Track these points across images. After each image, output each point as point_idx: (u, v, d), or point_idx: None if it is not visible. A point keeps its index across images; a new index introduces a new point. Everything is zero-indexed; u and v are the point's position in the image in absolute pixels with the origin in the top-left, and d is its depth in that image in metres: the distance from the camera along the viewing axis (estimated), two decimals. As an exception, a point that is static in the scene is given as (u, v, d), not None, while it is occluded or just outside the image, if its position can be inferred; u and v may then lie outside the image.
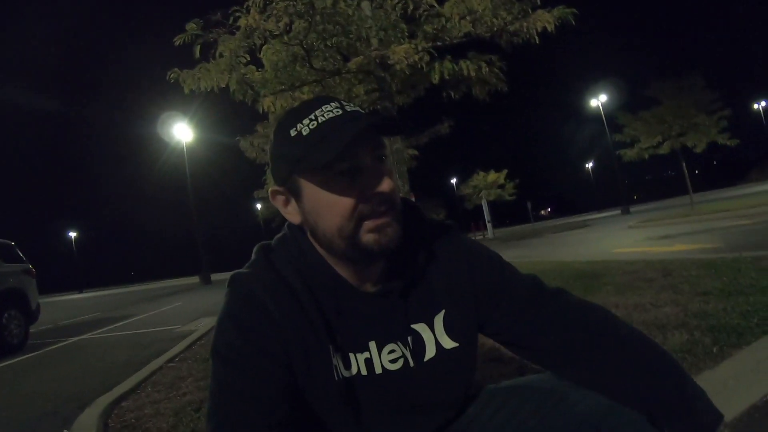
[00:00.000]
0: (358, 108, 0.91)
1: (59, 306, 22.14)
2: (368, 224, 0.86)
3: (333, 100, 0.90)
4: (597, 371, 0.93)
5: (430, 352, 0.97)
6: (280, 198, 0.96)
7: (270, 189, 0.98)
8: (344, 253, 0.90)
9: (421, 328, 0.97)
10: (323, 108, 0.88)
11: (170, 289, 27.04)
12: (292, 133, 0.88)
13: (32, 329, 8.62)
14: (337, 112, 0.87)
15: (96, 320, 11.80)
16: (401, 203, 0.94)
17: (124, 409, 3.41)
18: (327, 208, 0.87)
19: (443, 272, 1.01)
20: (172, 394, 3.54)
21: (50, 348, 7.58)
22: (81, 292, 55.20)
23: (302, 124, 0.87)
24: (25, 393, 4.47)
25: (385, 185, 0.85)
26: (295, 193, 0.92)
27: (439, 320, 0.99)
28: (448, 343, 0.98)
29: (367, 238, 0.87)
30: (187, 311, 10.73)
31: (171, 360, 4.87)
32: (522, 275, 1.05)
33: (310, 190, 0.89)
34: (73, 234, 76.79)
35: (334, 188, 0.86)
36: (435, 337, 0.98)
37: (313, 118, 0.86)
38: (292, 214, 0.95)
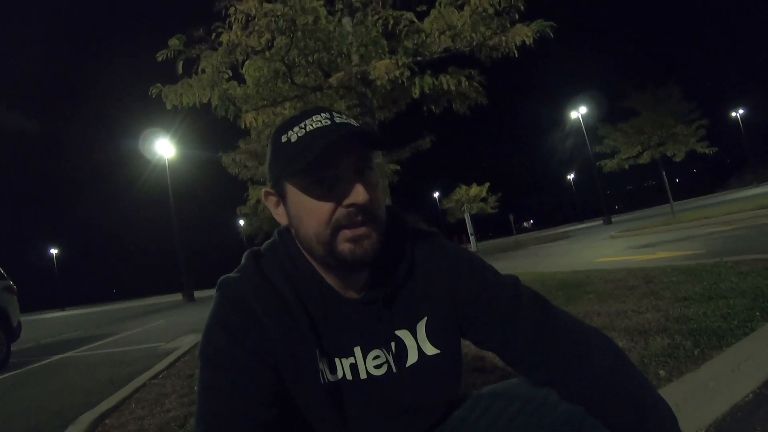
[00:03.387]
0: (350, 120, 0.93)
1: (41, 324, 21.68)
2: (345, 233, 0.89)
3: (326, 111, 0.94)
4: (569, 387, 0.96)
5: (412, 358, 0.99)
6: (272, 199, 1.00)
7: (264, 190, 1.02)
8: (323, 259, 0.93)
9: (404, 334, 0.99)
10: (314, 117, 0.92)
11: (153, 306, 26.68)
12: (283, 139, 0.92)
13: (14, 347, 8.43)
14: (326, 122, 0.90)
15: (78, 338, 11.59)
16: (385, 213, 0.96)
17: (107, 426, 3.36)
18: (306, 212, 0.91)
19: (426, 280, 1.03)
20: (156, 410, 3.50)
21: (32, 366, 7.42)
22: (63, 309, 54.26)
23: (293, 131, 0.91)
24: (7, 411, 4.38)
25: (362, 196, 0.87)
26: (282, 196, 0.97)
27: (421, 327, 1.01)
28: (430, 350, 1.00)
29: (343, 247, 0.89)
30: (170, 329, 10.59)
31: (155, 377, 4.80)
32: (502, 279, 1.07)
33: (293, 194, 0.93)
34: (54, 251, 75.61)
35: (313, 194, 0.89)
36: (417, 343, 1.00)
37: (303, 126, 0.91)
38: (280, 215, 0.99)
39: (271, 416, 0.85)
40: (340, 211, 0.88)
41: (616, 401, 0.93)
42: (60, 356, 8.26)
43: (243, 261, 1.00)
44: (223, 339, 0.88)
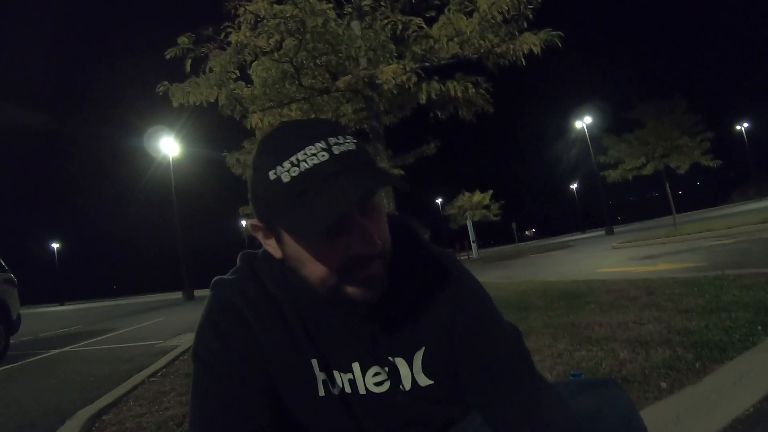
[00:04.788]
0: (347, 146, 0.80)
1: (40, 317, 21.74)
2: (353, 277, 0.81)
3: (320, 137, 0.79)
4: None
5: (406, 385, 0.95)
6: (261, 233, 0.89)
7: (250, 222, 0.90)
8: (326, 297, 0.86)
9: (399, 362, 0.94)
10: (306, 150, 0.77)
11: (153, 304, 26.69)
12: (271, 176, 0.78)
13: (12, 340, 8.46)
14: (323, 157, 0.76)
15: (77, 333, 11.59)
16: (395, 226, 0.90)
17: (105, 423, 3.36)
18: (308, 261, 0.82)
19: (429, 309, 0.95)
20: (154, 408, 3.50)
21: (30, 360, 7.43)
22: (62, 304, 54.22)
23: (282, 167, 0.77)
24: (4, 405, 4.38)
25: (373, 244, 0.79)
26: (275, 236, 0.87)
27: (418, 358, 0.95)
28: (424, 381, 0.95)
29: (351, 290, 0.82)
30: (169, 327, 10.59)
31: (153, 375, 4.81)
32: (505, 330, 0.98)
33: (290, 243, 0.83)
34: (55, 245, 75.51)
35: (316, 248, 0.80)
36: (412, 373, 0.95)
37: (295, 162, 0.76)
38: (273, 249, 0.89)
39: (264, 419, 0.84)
40: (349, 259, 0.79)
41: None
42: (58, 351, 8.27)
43: (238, 263, 0.96)
44: (213, 340, 0.87)
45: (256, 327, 0.87)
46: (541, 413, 0.89)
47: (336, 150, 0.77)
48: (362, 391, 0.92)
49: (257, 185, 0.82)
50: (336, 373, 0.92)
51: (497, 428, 0.92)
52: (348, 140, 0.80)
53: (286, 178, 0.76)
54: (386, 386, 0.93)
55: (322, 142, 0.77)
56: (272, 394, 0.87)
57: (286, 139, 0.80)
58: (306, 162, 0.76)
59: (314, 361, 0.89)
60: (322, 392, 0.90)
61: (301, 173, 0.75)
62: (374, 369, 0.93)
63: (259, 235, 0.89)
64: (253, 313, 0.88)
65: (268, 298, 0.90)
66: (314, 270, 0.81)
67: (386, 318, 0.92)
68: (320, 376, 0.90)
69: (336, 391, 0.91)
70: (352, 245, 0.78)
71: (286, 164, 0.76)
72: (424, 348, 0.94)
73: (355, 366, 0.92)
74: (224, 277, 0.94)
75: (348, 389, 0.92)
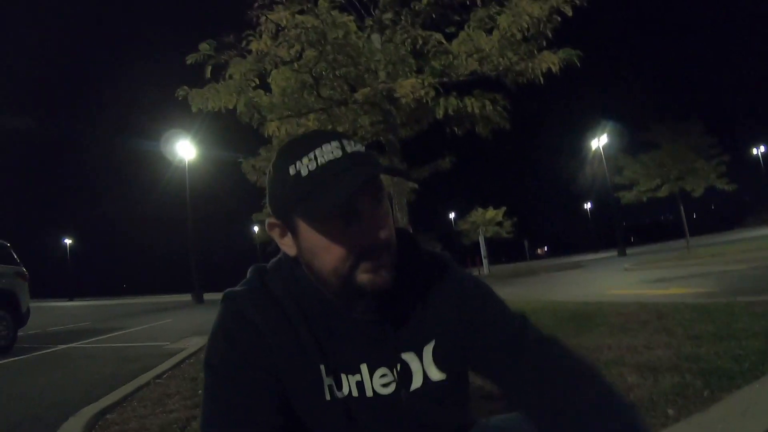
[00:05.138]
0: (359, 147, 0.90)
1: (49, 312, 21.87)
2: (364, 265, 0.87)
3: (334, 137, 0.89)
4: (561, 423, 0.90)
5: (417, 382, 0.97)
6: (277, 230, 0.96)
7: (267, 220, 0.97)
8: (337, 290, 0.91)
9: (409, 357, 0.97)
10: (323, 147, 0.86)
11: (161, 304, 26.75)
12: (291, 171, 0.86)
13: (20, 333, 8.54)
14: (338, 153, 0.86)
15: (85, 330, 11.67)
16: (397, 235, 0.96)
17: (108, 422, 3.38)
18: (323, 249, 0.87)
19: (435, 303, 1.01)
20: (158, 410, 3.52)
21: (37, 353, 7.49)
22: (71, 300, 54.41)
23: (301, 162, 0.86)
24: (9, 396, 4.42)
25: (384, 232, 0.86)
26: (291, 230, 0.93)
27: (428, 351, 0.98)
28: (436, 375, 0.98)
29: (362, 278, 0.88)
30: (177, 329, 10.63)
31: (159, 376, 4.84)
32: (511, 314, 1.03)
33: (306, 230, 0.89)
34: (68, 241, 76.00)
35: (331, 233, 0.86)
36: (423, 367, 0.98)
37: (313, 158, 0.85)
38: (288, 246, 0.96)
39: (275, 426, 0.86)
40: (361, 247, 0.86)
41: None
42: (65, 346, 8.34)
43: (248, 275, 1.00)
44: (226, 349, 0.89)
45: (266, 335, 0.90)
46: (559, 386, 0.92)
47: (348, 149, 0.87)
48: (369, 393, 0.94)
49: (276, 183, 0.91)
50: (343, 377, 0.94)
51: (517, 403, 0.98)
52: (358, 144, 0.90)
53: (304, 172, 0.85)
54: (392, 388, 0.95)
55: (337, 141, 0.87)
56: (282, 399, 0.89)
57: (304, 142, 0.90)
58: (323, 157, 0.85)
59: (322, 367, 0.92)
60: (328, 397, 0.92)
61: (318, 166, 0.84)
62: (382, 370, 0.95)
63: (276, 233, 0.96)
64: (263, 322, 0.90)
65: (278, 308, 0.93)
66: (328, 259, 0.87)
67: (394, 315, 0.96)
68: (327, 381, 0.92)
69: (342, 395, 0.93)
70: (364, 232, 0.85)
71: (305, 159, 0.85)
72: (434, 341, 0.99)
73: (363, 367, 0.94)
74: (234, 289, 0.97)
75: (355, 392, 0.94)
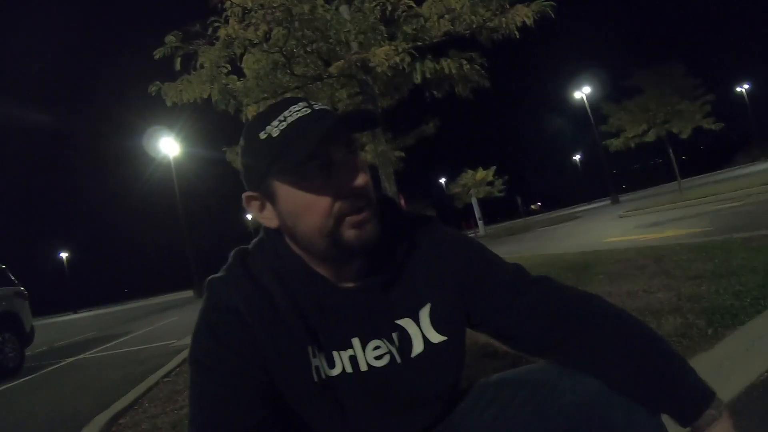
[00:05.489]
0: (326, 106, 0.91)
1: (54, 327, 21.98)
2: (349, 220, 0.86)
3: (301, 100, 0.90)
4: (584, 355, 0.93)
5: (418, 347, 0.96)
6: (255, 203, 0.95)
7: (244, 196, 0.96)
8: (324, 252, 0.89)
9: (406, 323, 0.96)
10: (291, 109, 0.87)
11: (165, 304, 26.93)
12: (262, 136, 0.87)
13: (28, 352, 8.55)
14: (306, 111, 0.87)
15: (91, 340, 11.72)
16: (379, 196, 0.95)
17: (121, 426, 3.39)
18: (305, 208, 0.86)
19: (426, 265, 1.00)
20: (169, 408, 3.53)
21: (46, 370, 7.52)
22: (75, 312, 54.76)
23: (271, 126, 0.86)
24: (22, 415, 4.43)
25: (361, 179, 0.86)
26: (270, 197, 0.91)
27: (425, 314, 0.97)
28: (436, 337, 0.97)
29: (348, 234, 0.86)
30: (182, 325, 10.66)
31: (167, 375, 4.85)
32: (506, 263, 1.04)
33: (285, 191, 0.88)
34: (64, 254, 75.92)
35: (309, 187, 0.85)
36: (422, 331, 0.97)
37: (282, 119, 0.86)
38: (268, 218, 0.94)
39: (263, 416, 0.83)
40: (341, 196, 0.85)
41: (631, 359, 0.89)
42: (73, 359, 8.37)
43: (229, 260, 0.97)
44: (210, 342, 0.86)
45: (252, 322, 0.86)
46: (570, 316, 0.96)
47: (316, 107, 0.89)
48: (363, 367, 0.93)
49: (248, 152, 0.92)
50: (335, 354, 0.92)
51: (527, 346, 1.01)
52: (326, 106, 0.91)
53: (275, 133, 0.85)
54: (387, 360, 0.94)
55: (304, 102, 0.89)
56: (270, 389, 0.87)
57: (272, 108, 0.91)
58: (291, 116, 0.86)
59: (309, 348, 0.89)
60: (315, 378, 0.89)
61: (288, 125, 0.85)
62: (374, 342, 0.93)
63: (254, 207, 0.95)
64: (247, 309, 0.87)
65: (262, 292, 0.90)
66: (311, 218, 0.86)
67: (384, 282, 0.95)
68: (314, 362, 0.89)
69: (335, 372, 0.91)
70: (342, 180, 0.85)
71: (275, 123, 0.86)
72: (429, 304, 0.98)
73: (355, 341, 0.93)
74: (216, 275, 0.94)
75: (349, 368, 0.92)
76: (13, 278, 8.64)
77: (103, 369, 6.48)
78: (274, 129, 0.85)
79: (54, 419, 4.02)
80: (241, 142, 0.94)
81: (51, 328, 20.68)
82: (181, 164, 30.36)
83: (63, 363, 8.00)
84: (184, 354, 5.86)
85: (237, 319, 0.86)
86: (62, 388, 5.52)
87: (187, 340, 7.07)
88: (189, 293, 30.78)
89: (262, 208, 0.94)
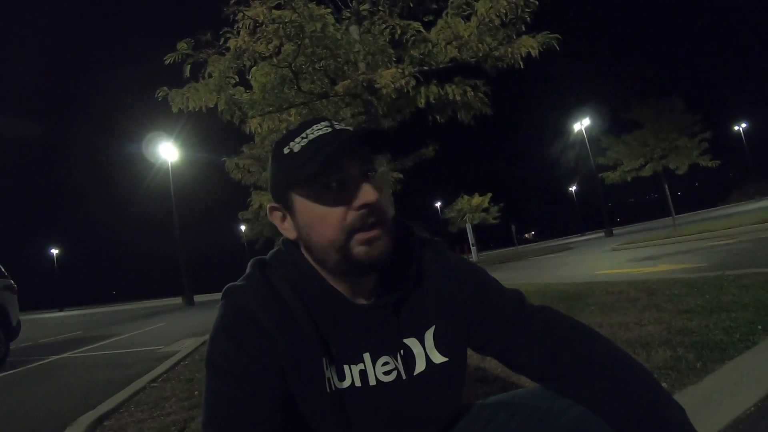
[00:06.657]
0: (348, 127, 0.97)
1: (40, 324, 21.65)
2: (359, 237, 0.90)
3: (325, 119, 0.97)
4: (581, 392, 0.95)
5: (420, 366, 0.99)
6: (278, 214, 1.01)
7: (268, 206, 1.02)
8: (337, 266, 0.93)
9: (411, 342, 1.00)
10: (314, 127, 0.95)
11: (152, 309, 26.62)
12: (285, 151, 0.95)
13: (12, 346, 8.46)
14: (327, 129, 0.93)
15: (77, 339, 11.56)
16: (392, 220, 0.98)
17: (106, 428, 3.35)
18: (318, 220, 0.92)
19: (434, 288, 1.04)
20: (155, 413, 3.49)
21: (30, 366, 7.40)
22: (62, 310, 53.98)
23: (294, 142, 0.94)
24: (4, 411, 4.37)
25: (371, 196, 0.89)
26: (289, 209, 0.97)
27: (429, 335, 1.01)
28: (438, 358, 1.01)
29: (358, 250, 0.90)
30: (170, 332, 10.57)
31: (154, 380, 4.80)
32: (507, 290, 1.09)
33: (301, 204, 0.94)
34: (54, 251, 75.18)
35: (323, 200, 0.91)
36: (425, 351, 1.00)
37: (304, 136, 0.93)
38: (288, 229, 1.00)
39: (278, 422, 0.86)
40: (352, 214, 0.90)
41: (624, 398, 0.92)
42: (58, 357, 8.25)
43: (248, 269, 1.00)
44: (229, 346, 0.88)
45: (269, 330, 0.89)
46: (566, 346, 1.00)
47: (337, 126, 0.95)
48: (372, 381, 0.96)
49: (274, 167, 0.99)
50: (346, 367, 0.95)
51: (525, 370, 1.04)
52: (349, 127, 0.98)
53: (296, 149, 0.93)
54: (394, 375, 0.97)
55: (327, 122, 0.96)
56: (286, 395, 0.89)
57: (297, 127, 0.98)
58: (313, 134, 0.93)
59: (324, 359, 0.92)
60: (328, 389, 0.92)
61: (308, 142, 0.92)
62: (384, 358, 0.97)
63: (276, 218, 1.02)
64: (266, 317, 0.90)
65: (279, 301, 0.93)
66: (324, 231, 0.91)
67: (394, 303, 0.99)
68: (327, 374, 0.92)
69: (345, 385, 0.94)
70: (354, 195, 0.90)
71: (297, 139, 0.94)
72: (434, 326, 1.02)
73: (366, 356, 0.96)
74: (235, 283, 0.97)
75: (358, 382, 0.95)
76: (3, 270, 8.58)
77: (89, 369, 6.38)
78: (296, 145, 0.93)
79: (38, 415, 3.96)
80: (270, 159, 1.02)
81: (37, 324, 20.37)
82: (179, 170, 30.30)
83: (48, 360, 7.87)
84: (172, 360, 5.83)
85: (256, 325, 0.89)
86: (46, 386, 5.43)
87: (175, 346, 7.04)
88: (178, 300, 30.49)
89: (283, 219, 1.01)
